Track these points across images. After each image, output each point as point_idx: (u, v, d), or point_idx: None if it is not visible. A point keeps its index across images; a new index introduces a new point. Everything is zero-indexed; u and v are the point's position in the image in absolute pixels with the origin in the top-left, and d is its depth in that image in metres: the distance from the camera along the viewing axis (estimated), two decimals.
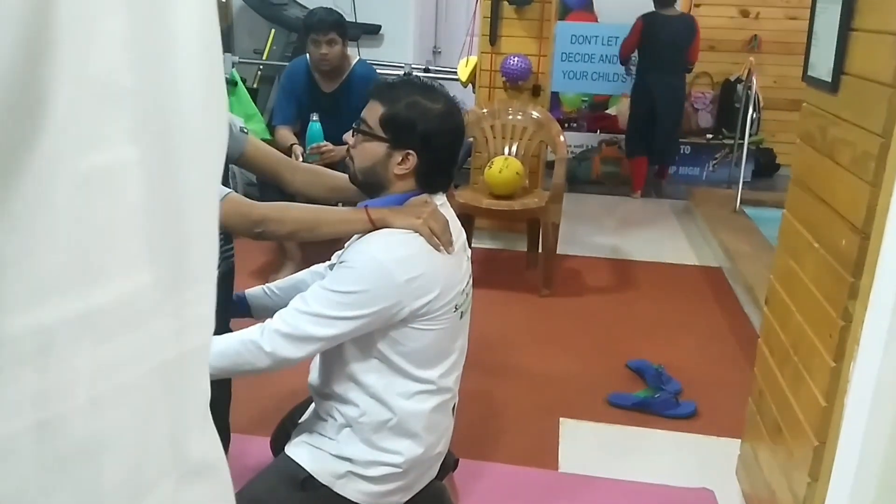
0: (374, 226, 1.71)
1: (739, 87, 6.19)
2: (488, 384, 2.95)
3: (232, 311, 2.09)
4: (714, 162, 6.42)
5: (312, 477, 1.77)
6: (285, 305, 1.72)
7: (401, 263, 1.66)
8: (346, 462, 1.76)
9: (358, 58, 4.09)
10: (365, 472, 1.76)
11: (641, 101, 5.73)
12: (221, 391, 2.16)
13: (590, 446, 2.63)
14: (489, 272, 4.27)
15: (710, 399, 2.93)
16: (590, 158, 6.41)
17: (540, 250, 4.04)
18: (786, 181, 7.38)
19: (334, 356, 1.77)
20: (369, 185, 1.79)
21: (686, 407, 2.85)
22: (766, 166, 6.41)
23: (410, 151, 1.71)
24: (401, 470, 1.77)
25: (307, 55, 3.99)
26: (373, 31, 5.80)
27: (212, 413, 2.28)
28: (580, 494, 2.35)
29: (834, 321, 1.61)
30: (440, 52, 6.66)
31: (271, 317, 1.72)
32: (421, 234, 1.69)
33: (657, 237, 5.09)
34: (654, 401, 2.86)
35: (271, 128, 4.23)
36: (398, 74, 4.97)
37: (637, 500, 2.32)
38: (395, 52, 5.72)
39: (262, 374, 1.74)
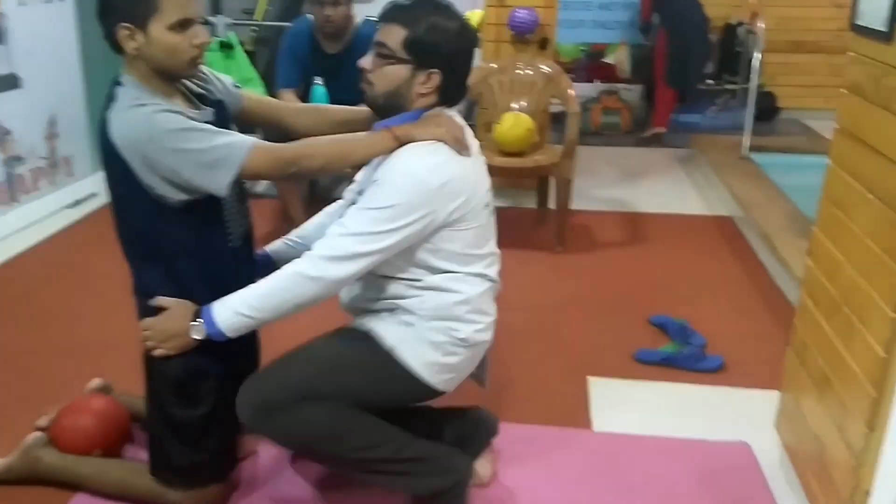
0: (400, 143, 1.76)
1: (740, 30, 6.10)
2: (512, 346, 2.92)
3: (256, 270, 2.05)
4: (716, 108, 6.34)
5: (373, 337, 1.85)
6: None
7: (433, 170, 1.73)
8: (408, 328, 1.84)
9: (365, 17, 3.97)
10: (426, 336, 1.83)
11: (673, 28, 5.66)
12: (249, 364, 2.09)
13: (621, 404, 2.61)
14: (500, 230, 4.19)
15: (736, 351, 2.91)
16: (589, 109, 6.32)
17: (550, 206, 3.98)
18: (787, 125, 7.28)
19: (376, 274, 1.83)
20: (390, 108, 1.83)
21: (714, 360, 2.83)
22: (766, 110, 6.34)
23: (435, 70, 1.76)
24: (459, 338, 1.84)
25: (306, 16, 3.87)
26: None
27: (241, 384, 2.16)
28: (617, 453, 2.33)
29: (893, 272, 1.58)
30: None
31: None
32: (446, 142, 1.76)
33: (663, 188, 5.04)
34: (681, 355, 2.84)
35: (273, 92, 4.12)
36: None
37: (675, 457, 2.31)
38: None
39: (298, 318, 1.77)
